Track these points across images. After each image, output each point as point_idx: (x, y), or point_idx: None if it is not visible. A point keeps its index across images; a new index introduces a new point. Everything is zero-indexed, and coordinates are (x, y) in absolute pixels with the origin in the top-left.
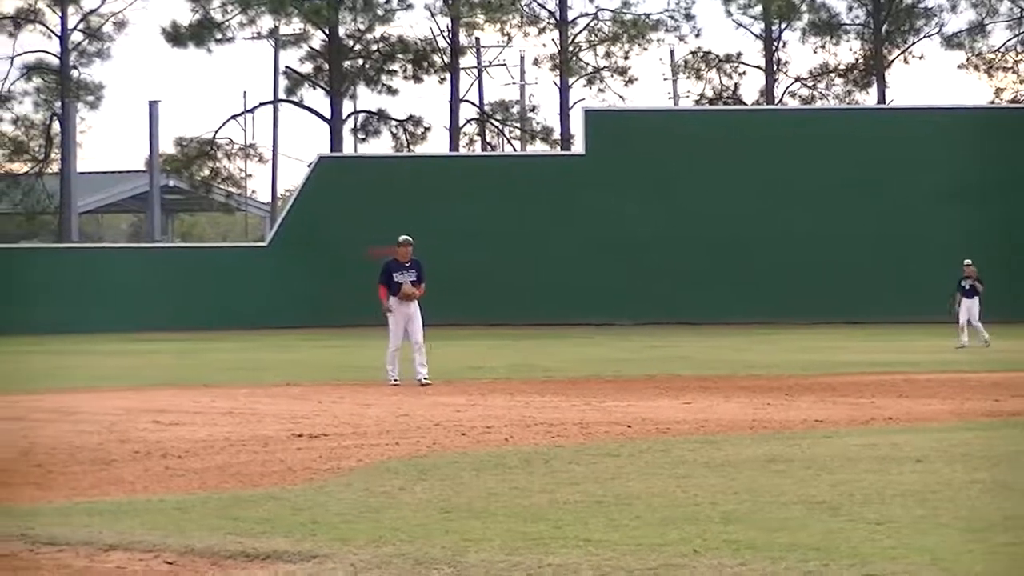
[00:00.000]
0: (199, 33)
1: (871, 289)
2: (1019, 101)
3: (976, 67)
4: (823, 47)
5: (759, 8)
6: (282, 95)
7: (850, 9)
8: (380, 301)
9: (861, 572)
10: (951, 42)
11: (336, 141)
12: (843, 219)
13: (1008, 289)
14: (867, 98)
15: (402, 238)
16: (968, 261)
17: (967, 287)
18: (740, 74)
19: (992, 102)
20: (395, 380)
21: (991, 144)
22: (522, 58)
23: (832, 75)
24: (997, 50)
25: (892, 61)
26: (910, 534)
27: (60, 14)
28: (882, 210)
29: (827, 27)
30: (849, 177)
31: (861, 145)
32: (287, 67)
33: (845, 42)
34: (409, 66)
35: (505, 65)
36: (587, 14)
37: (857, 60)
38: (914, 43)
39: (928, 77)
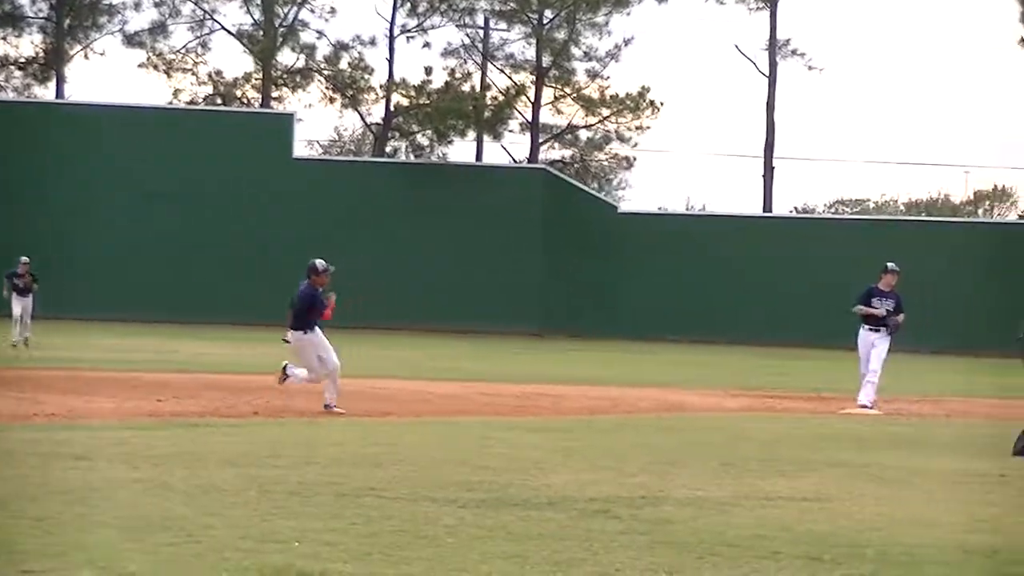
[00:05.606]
0: None
1: None
2: (196, 102)
3: (156, 67)
4: (4, 39)
5: None
6: None
7: (33, 2)
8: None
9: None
10: (133, 40)
11: None
12: None
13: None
14: (47, 92)
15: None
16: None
17: (20, 286)
18: None
19: (171, 102)
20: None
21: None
22: None
23: (12, 67)
24: (177, 51)
25: (73, 56)
26: (69, 532)
27: None
28: None
29: (10, 19)
30: None
31: None
32: None
33: (28, 35)
34: None
35: None
36: None
37: (38, 54)
38: (96, 39)
39: (109, 74)
